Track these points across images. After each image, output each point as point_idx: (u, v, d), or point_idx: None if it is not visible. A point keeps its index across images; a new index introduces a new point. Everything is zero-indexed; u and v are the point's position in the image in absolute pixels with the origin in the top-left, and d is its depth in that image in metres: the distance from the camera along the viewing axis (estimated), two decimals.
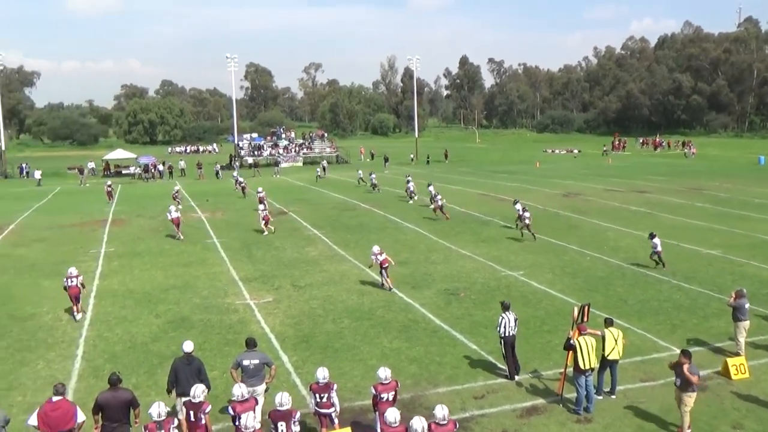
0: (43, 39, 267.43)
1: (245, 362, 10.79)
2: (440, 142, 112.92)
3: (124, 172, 64.83)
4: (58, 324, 16.73)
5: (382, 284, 19.33)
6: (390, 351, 14.35)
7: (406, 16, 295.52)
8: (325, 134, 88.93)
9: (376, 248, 19.57)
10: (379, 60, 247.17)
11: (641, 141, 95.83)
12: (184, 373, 10.39)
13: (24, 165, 69.01)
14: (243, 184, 43.69)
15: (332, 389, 10.10)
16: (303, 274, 21.27)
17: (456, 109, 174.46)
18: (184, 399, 10.01)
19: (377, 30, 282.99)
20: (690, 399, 10.50)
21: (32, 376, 13.32)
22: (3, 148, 72.44)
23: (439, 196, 32.29)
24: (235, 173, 45.56)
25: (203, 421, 9.30)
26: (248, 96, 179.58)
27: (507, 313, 12.81)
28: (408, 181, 39.92)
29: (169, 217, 28.50)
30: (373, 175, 44.63)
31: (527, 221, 25.94)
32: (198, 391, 9.46)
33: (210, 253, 24.84)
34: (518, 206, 28.21)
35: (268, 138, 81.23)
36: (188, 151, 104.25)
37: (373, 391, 10.02)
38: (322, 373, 10.11)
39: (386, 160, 65.60)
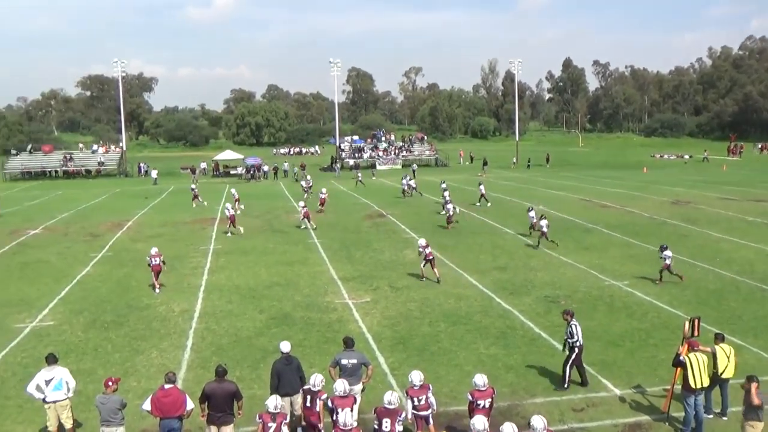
0: (161, 47, 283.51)
1: (344, 361, 10.95)
2: (542, 146, 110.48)
3: (231, 172, 67.65)
4: (170, 315, 17.64)
5: (424, 277, 20.56)
6: (487, 357, 14.16)
7: (509, 19, 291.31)
8: (425, 137, 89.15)
9: (422, 241, 21.06)
10: (480, 63, 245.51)
11: (760, 146, 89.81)
12: (286, 373, 10.61)
13: (142, 165, 73.56)
14: (309, 185, 44.53)
15: (429, 390, 10.11)
16: (400, 276, 21.37)
17: (558, 112, 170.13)
18: (287, 399, 10.29)
19: (478, 33, 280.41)
20: (752, 429, 9.70)
21: (146, 363, 14.11)
22: (124, 148, 77.60)
23: (450, 206, 31.24)
24: (303, 182, 46.28)
25: (318, 408, 9.77)
26: (350, 99, 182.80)
27: (576, 320, 12.57)
28: (444, 189, 37.63)
29: (227, 214, 30.77)
30: (405, 180, 44.29)
31: (544, 229, 25.07)
32: (317, 380, 9.93)
33: (311, 253, 25.44)
34: (532, 213, 28.07)
35: (369, 140, 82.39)
36: (291, 152, 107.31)
37: (470, 398, 9.91)
38: (418, 377, 10.11)
39: (485, 163, 64.91)
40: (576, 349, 12.43)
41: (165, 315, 17.67)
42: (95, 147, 78.12)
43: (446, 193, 35.66)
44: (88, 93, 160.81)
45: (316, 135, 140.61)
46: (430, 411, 10.07)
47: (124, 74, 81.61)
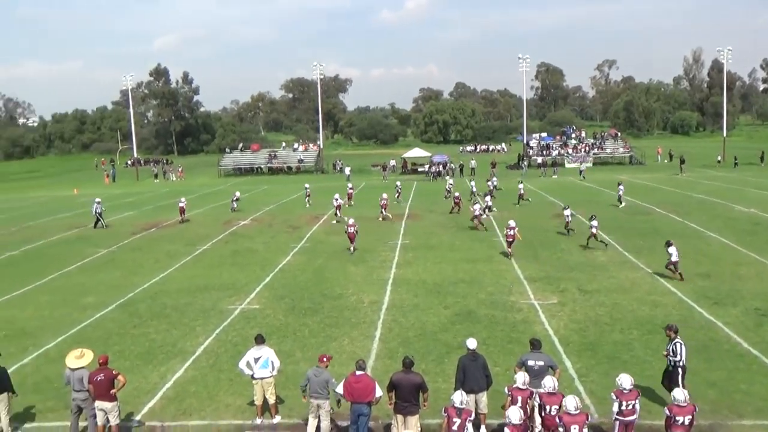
0: (356, 49, 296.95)
1: (530, 362, 10.75)
2: (754, 142, 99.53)
3: (419, 169, 68.90)
4: (360, 306, 18.48)
5: (509, 254, 23.46)
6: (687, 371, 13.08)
7: (714, 4, 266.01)
8: (618, 133, 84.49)
9: (512, 222, 24.01)
10: (681, 53, 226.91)
11: None
12: (471, 369, 10.65)
13: (338, 161, 77.88)
14: (397, 189, 43.95)
15: (638, 396, 9.66)
16: (590, 279, 20.49)
17: None
18: (471, 396, 10.34)
19: (678, 21, 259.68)
20: None
21: (338, 350, 14.91)
22: (321, 146, 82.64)
23: (477, 206, 31.21)
24: (398, 183, 46.58)
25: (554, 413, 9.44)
26: (538, 95, 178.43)
27: (681, 339, 11.47)
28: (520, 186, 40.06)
29: (335, 204, 34.94)
30: (473, 183, 43.11)
31: (594, 230, 24.59)
32: (549, 382, 9.69)
33: (496, 251, 25.25)
34: (567, 212, 28.27)
35: (558, 137, 79.97)
36: (478, 150, 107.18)
37: (667, 413, 9.24)
38: (629, 381, 9.60)
39: (682, 161, 59.89)
40: (680, 370, 11.29)
41: (355, 305, 18.54)
42: (296, 145, 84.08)
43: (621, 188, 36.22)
44: (291, 95, 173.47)
45: (503, 132, 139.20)
46: (635, 417, 9.60)
47: (322, 76, 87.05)
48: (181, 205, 37.01)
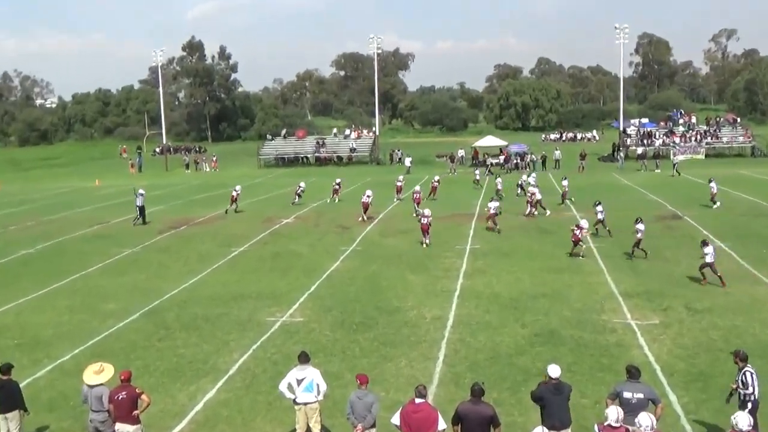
0: (419, 18, 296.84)
1: (626, 394, 10.50)
2: None
3: (494, 161, 66.12)
4: (421, 321, 18.45)
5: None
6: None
7: None
8: (737, 119, 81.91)
9: (584, 223, 26.44)
10: None
11: None
12: (554, 403, 10.45)
13: (397, 151, 77.93)
14: (436, 182, 44.23)
15: None
16: (700, 295, 19.92)
17: None
18: None
19: None
20: None
21: (395, 373, 14.93)
22: (377, 133, 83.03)
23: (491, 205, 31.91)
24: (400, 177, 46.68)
25: None
26: (638, 73, 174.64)
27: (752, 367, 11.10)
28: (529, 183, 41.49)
29: (362, 200, 35.55)
30: (531, 179, 42.90)
31: (639, 235, 24.56)
32: (645, 420, 9.30)
33: (586, 260, 24.86)
34: (599, 207, 29.48)
35: (662, 123, 78.31)
36: (564, 138, 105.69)
37: None
38: (746, 421, 9.24)
39: None
40: (750, 404, 10.81)
41: (415, 321, 18.53)
42: (347, 132, 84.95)
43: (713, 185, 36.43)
44: (342, 73, 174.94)
45: (594, 117, 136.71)
46: None
47: (379, 51, 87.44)
48: (234, 194, 39.32)
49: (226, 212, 38.52)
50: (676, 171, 53.39)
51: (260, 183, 58.05)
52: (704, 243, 21.59)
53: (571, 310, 18.95)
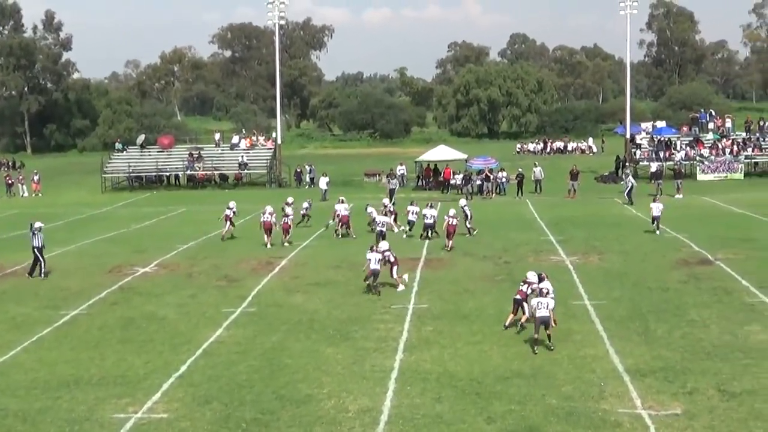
0: None
1: None
2: None
3: (457, 183, 66.44)
4: (342, 417, 18.35)
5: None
6: None
7: None
8: None
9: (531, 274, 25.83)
10: None
11: None
12: None
13: (307, 167, 77.48)
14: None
15: None
16: (738, 372, 20.44)
17: None
18: None
19: None
20: None
21: None
22: (279, 141, 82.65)
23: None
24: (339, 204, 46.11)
25: None
26: (651, 57, 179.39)
27: None
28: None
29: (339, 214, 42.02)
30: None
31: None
32: None
33: (578, 324, 25.26)
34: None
35: (684, 129, 79.89)
36: (548, 149, 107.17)
37: None
38: None
39: None
40: None
41: (334, 415, 18.42)
42: (236, 139, 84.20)
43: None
44: (228, 53, 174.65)
45: (591, 120, 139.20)
46: None
47: (282, 22, 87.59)
48: (228, 212, 43.17)
49: (222, 239, 42.76)
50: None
51: (104, 214, 57.24)
52: None
53: (559, 397, 19.15)
